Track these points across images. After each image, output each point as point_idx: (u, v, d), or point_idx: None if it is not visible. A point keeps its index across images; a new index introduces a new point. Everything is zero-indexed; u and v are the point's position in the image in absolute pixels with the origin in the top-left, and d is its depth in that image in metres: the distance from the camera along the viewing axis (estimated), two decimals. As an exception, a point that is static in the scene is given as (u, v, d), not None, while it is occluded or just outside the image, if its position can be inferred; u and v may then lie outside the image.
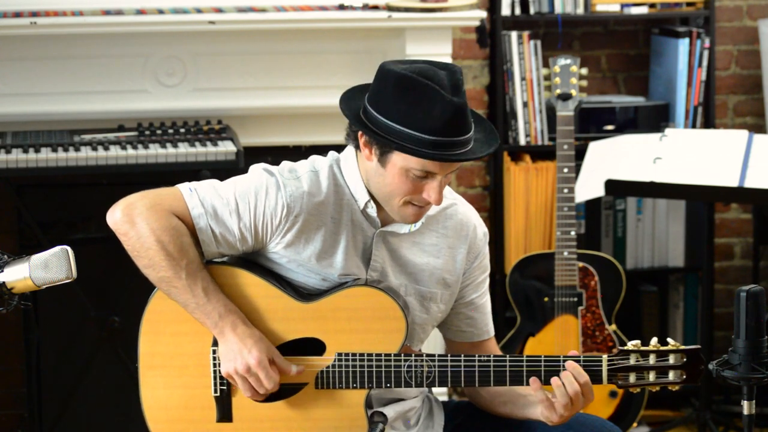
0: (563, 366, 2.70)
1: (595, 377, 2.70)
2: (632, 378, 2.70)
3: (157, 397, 2.80)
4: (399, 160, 2.64)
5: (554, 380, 2.69)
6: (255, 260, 2.81)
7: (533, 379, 2.69)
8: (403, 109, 2.60)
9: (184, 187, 2.76)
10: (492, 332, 2.97)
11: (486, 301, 2.94)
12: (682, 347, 2.70)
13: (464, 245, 2.86)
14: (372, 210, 2.77)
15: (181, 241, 2.69)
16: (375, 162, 2.69)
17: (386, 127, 2.62)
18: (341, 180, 2.78)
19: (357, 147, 2.74)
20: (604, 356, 2.70)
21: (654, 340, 2.72)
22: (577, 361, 2.70)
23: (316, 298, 2.75)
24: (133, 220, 2.70)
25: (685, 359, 2.69)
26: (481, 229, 2.90)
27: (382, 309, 2.73)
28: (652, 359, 2.69)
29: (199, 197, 2.73)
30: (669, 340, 2.72)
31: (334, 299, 2.74)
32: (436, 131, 2.59)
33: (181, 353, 2.77)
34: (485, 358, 2.71)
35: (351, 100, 2.73)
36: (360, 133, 2.69)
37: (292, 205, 2.72)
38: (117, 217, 2.72)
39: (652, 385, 2.71)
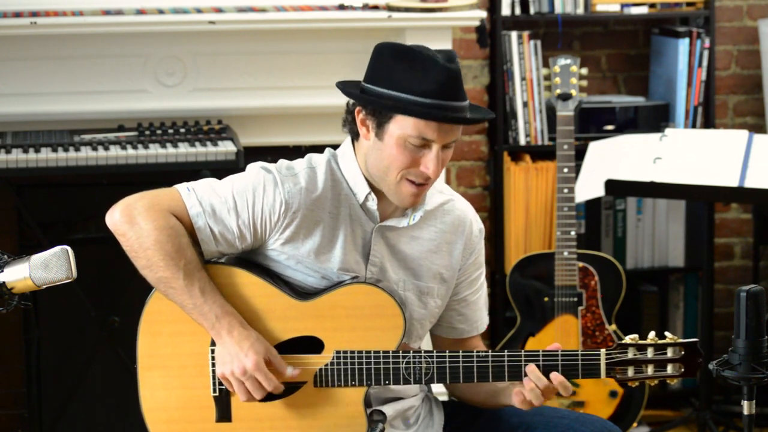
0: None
1: (594, 371, 2.71)
2: (630, 372, 2.71)
3: (157, 398, 2.79)
4: (396, 128, 2.66)
5: (526, 381, 2.71)
6: (253, 259, 2.81)
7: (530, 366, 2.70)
8: (399, 76, 2.64)
9: (181, 187, 2.76)
10: (482, 328, 2.97)
11: (478, 297, 2.95)
12: (680, 340, 2.70)
13: (461, 240, 2.87)
14: (372, 203, 2.77)
15: (179, 241, 2.70)
16: (372, 138, 2.70)
17: (382, 94, 2.65)
18: (339, 175, 2.79)
19: (355, 134, 2.76)
20: (603, 350, 2.70)
21: (652, 334, 2.72)
22: (554, 356, 2.70)
23: (314, 297, 2.75)
24: (132, 221, 2.70)
25: (683, 352, 2.70)
26: (477, 226, 2.91)
27: (380, 306, 2.73)
28: (650, 353, 2.70)
29: (197, 196, 2.73)
30: (666, 333, 2.73)
31: (331, 297, 2.74)
32: (430, 94, 2.61)
33: (179, 354, 2.77)
34: (483, 353, 2.72)
35: (348, 86, 2.76)
36: (357, 110, 2.71)
37: (290, 202, 2.72)
38: (116, 217, 2.72)
39: (651, 379, 2.71)
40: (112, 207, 2.74)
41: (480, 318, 2.96)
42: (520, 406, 2.74)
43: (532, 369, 2.70)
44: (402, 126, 2.65)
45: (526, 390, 2.70)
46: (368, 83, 2.69)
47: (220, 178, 2.82)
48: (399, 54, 2.66)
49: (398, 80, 2.64)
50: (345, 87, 2.74)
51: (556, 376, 2.69)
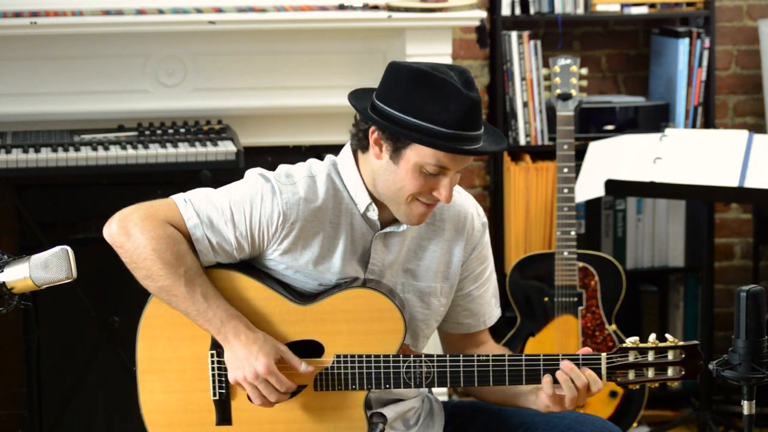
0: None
1: None
2: (631, 375, 2.70)
3: (156, 402, 2.79)
4: (413, 155, 2.63)
5: (560, 375, 2.68)
6: (252, 265, 2.80)
7: (546, 377, 2.69)
8: (419, 102, 2.60)
9: (178, 198, 2.75)
10: (490, 322, 2.96)
11: (484, 291, 2.93)
12: (681, 343, 2.69)
13: (462, 238, 2.86)
14: (373, 213, 2.76)
15: (177, 248, 2.69)
16: (386, 159, 2.68)
17: (402, 120, 2.61)
18: (340, 184, 2.77)
19: (362, 147, 2.73)
20: (603, 354, 2.70)
21: (652, 337, 2.71)
22: (576, 360, 2.69)
23: (314, 300, 2.75)
24: (129, 232, 2.70)
25: (683, 355, 2.69)
26: (479, 220, 2.89)
27: (380, 310, 2.72)
28: (650, 356, 2.69)
29: (194, 207, 2.72)
30: (667, 336, 2.72)
31: (331, 301, 2.74)
32: (452, 125, 2.58)
33: (178, 357, 2.77)
34: (484, 357, 2.71)
35: (359, 99, 2.72)
36: (371, 130, 2.68)
37: (288, 213, 2.71)
38: (113, 230, 2.72)
39: (651, 382, 2.71)
40: (108, 220, 2.73)
41: (487, 312, 2.94)
42: (551, 404, 2.70)
43: (568, 364, 2.68)
44: (420, 154, 2.62)
45: (561, 381, 2.66)
46: (383, 103, 2.64)
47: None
48: (419, 78, 2.60)
49: (418, 107, 2.59)
50: (358, 102, 2.70)
51: (586, 371, 2.68)
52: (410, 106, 2.60)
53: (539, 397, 2.74)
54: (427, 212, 2.72)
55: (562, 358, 2.69)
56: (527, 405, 2.80)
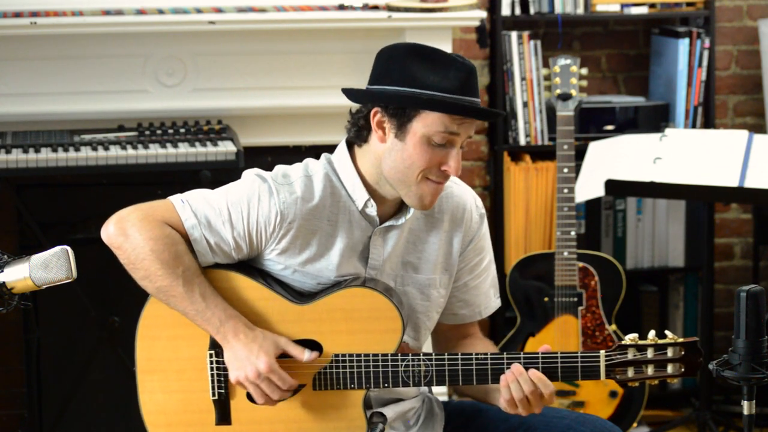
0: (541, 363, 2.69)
1: (593, 373, 2.69)
2: (630, 372, 2.68)
3: (156, 402, 2.79)
4: (420, 126, 2.64)
5: (503, 378, 2.67)
6: (250, 265, 2.80)
7: (502, 378, 2.68)
8: (419, 74, 2.63)
9: (175, 199, 2.75)
10: (486, 312, 2.95)
11: (480, 282, 2.92)
12: (680, 340, 2.68)
13: (460, 228, 2.86)
14: (372, 209, 2.76)
15: (175, 249, 2.69)
16: (390, 140, 2.68)
17: (406, 92, 2.63)
18: (337, 182, 2.77)
19: (360, 139, 2.74)
20: (602, 352, 2.69)
21: (652, 333, 2.69)
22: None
23: (312, 300, 2.75)
24: (126, 232, 2.70)
25: (683, 352, 2.68)
26: (477, 212, 2.90)
27: (378, 310, 2.72)
28: (650, 353, 2.68)
29: (191, 208, 2.72)
30: (667, 332, 2.70)
31: (329, 300, 2.74)
32: (454, 91, 2.62)
33: (178, 357, 2.77)
34: (482, 356, 2.70)
35: (352, 92, 2.74)
36: (373, 113, 2.69)
37: (286, 212, 2.71)
38: (110, 231, 2.72)
39: (651, 379, 2.70)
40: (106, 222, 2.74)
41: (482, 303, 2.94)
42: (506, 407, 2.69)
43: (515, 366, 2.67)
44: (427, 123, 2.64)
45: (510, 384, 2.65)
46: (382, 85, 2.66)
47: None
48: (415, 53, 2.65)
49: (419, 79, 2.62)
50: (353, 92, 2.71)
51: (534, 373, 2.66)
52: (411, 79, 2.63)
53: (499, 399, 2.73)
54: (438, 191, 2.71)
55: (561, 356, 2.68)
56: (495, 402, 2.79)
